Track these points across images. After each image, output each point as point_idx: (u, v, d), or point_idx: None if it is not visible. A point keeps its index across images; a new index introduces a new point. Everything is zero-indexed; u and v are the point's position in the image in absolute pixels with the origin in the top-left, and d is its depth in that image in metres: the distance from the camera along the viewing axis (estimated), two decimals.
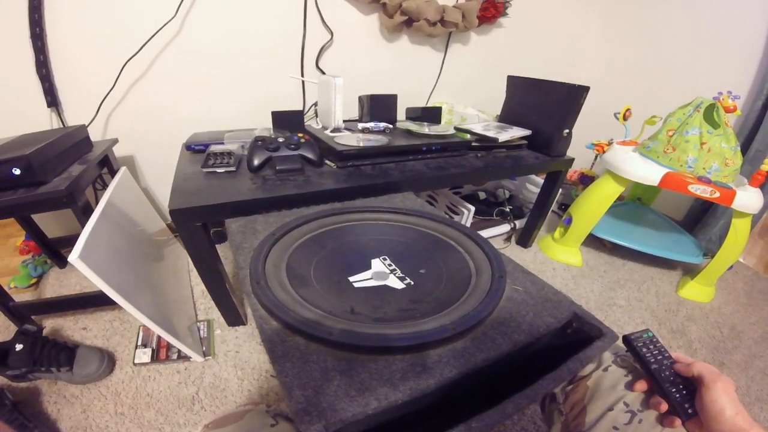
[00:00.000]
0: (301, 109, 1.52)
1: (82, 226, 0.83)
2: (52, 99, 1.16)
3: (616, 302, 1.36)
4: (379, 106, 1.31)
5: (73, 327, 1.11)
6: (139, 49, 1.19)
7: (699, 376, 0.47)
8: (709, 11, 1.62)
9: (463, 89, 1.85)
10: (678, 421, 0.47)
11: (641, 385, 0.52)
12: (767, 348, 1.22)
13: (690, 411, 0.46)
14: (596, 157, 1.93)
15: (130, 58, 1.19)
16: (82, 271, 0.72)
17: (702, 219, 1.70)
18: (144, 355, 1.01)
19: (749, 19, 1.51)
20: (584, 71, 2.11)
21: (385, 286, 0.61)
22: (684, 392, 0.48)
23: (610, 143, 1.52)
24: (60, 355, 0.92)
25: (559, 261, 1.57)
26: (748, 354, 1.19)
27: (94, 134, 1.20)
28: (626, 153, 1.38)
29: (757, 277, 1.60)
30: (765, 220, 1.79)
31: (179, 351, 1.00)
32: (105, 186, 1.25)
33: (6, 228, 1.56)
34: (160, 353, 1.02)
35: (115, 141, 1.22)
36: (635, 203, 1.86)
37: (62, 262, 1.36)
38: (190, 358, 1.01)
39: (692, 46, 1.70)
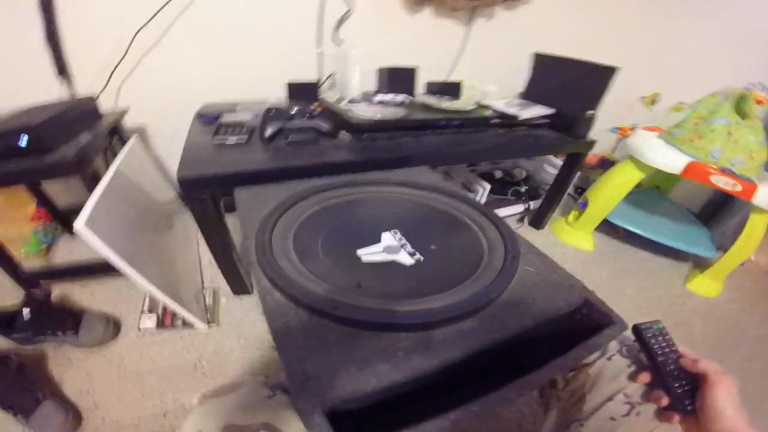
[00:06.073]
0: (317, 80, 1.48)
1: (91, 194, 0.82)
2: (61, 68, 1.14)
3: (624, 291, 1.34)
4: (397, 79, 1.27)
5: (81, 293, 1.12)
6: (152, 17, 1.15)
7: (704, 373, 0.46)
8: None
9: (486, 66, 1.78)
10: (676, 418, 0.46)
11: (644, 377, 0.51)
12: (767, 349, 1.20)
13: (689, 407, 0.46)
14: (618, 141, 1.88)
15: (142, 27, 1.15)
16: (87, 238, 0.71)
17: (718, 212, 1.65)
18: (149, 321, 1.02)
19: None
20: (612, 52, 2.02)
21: (394, 262, 0.59)
22: (686, 388, 0.47)
23: (633, 128, 1.47)
24: (66, 319, 0.93)
25: (570, 245, 1.54)
26: (748, 353, 1.17)
27: (105, 103, 1.18)
28: (651, 138, 1.34)
29: (766, 277, 1.57)
30: None
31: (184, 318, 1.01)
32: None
33: (21, 197, 1.56)
34: (165, 320, 1.03)
35: (125, 110, 1.20)
36: (653, 191, 1.82)
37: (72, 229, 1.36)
38: (194, 325, 1.01)
39: (724, 36, 1.63)
